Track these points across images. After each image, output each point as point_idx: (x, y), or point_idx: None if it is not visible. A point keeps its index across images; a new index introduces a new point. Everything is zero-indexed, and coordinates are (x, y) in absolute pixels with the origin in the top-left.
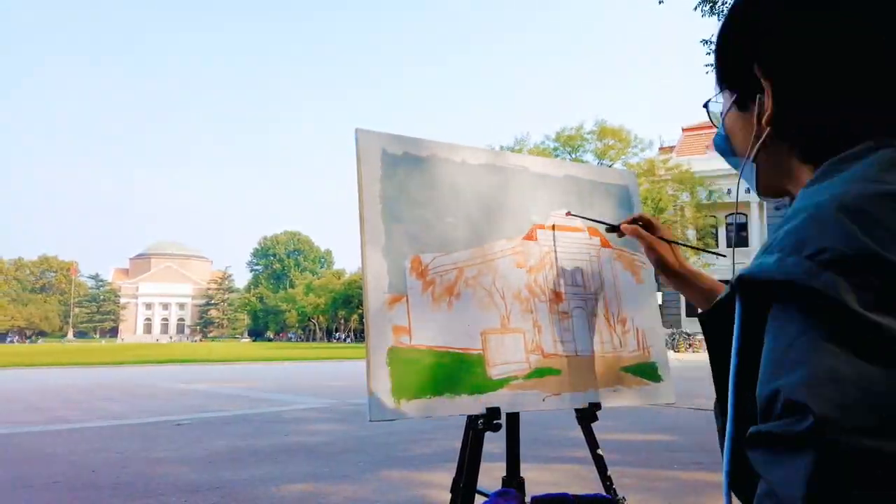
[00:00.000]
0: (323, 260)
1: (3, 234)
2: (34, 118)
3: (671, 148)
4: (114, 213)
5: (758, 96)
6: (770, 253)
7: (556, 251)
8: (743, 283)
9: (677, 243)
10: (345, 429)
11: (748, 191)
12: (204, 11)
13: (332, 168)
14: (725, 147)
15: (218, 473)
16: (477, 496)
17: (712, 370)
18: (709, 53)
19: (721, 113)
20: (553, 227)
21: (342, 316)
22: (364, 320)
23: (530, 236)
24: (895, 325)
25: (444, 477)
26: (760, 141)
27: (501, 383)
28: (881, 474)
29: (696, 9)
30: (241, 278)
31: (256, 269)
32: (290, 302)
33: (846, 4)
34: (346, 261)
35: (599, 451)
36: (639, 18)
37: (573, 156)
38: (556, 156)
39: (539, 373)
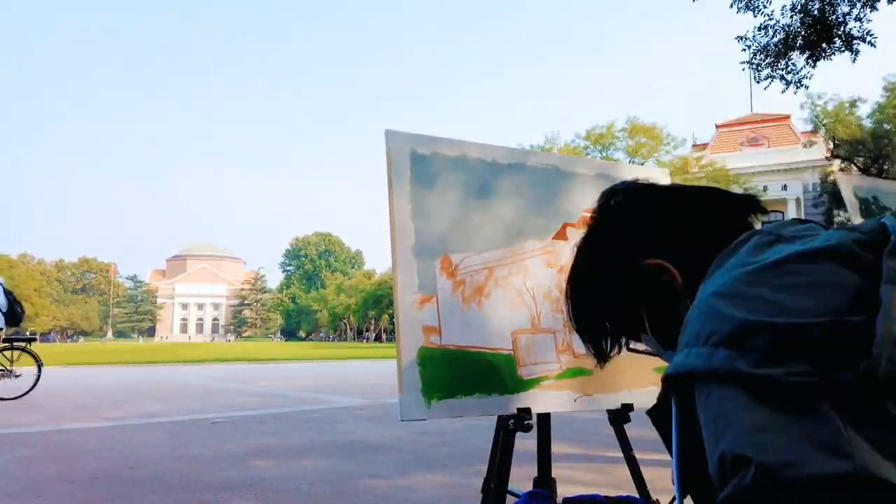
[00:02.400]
0: (353, 260)
1: (45, 236)
2: (75, 124)
3: (705, 145)
4: (151, 215)
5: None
6: (678, 351)
7: None
8: (670, 381)
9: None
10: (376, 428)
11: (784, 188)
12: (237, 15)
13: (362, 169)
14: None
15: (252, 471)
16: (508, 497)
17: (672, 459)
18: (744, 50)
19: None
20: (584, 226)
21: (372, 316)
22: (394, 320)
23: (561, 235)
24: (780, 372)
25: (476, 477)
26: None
27: (532, 383)
28: (816, 497)
29: (731, 6)
30: (274, 279)
31: (288, 270)
32: (321, 302)
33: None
34: (377, 261)
35: (633, 453)
36: (671, 15)
37: (604, 154)
38: (587, 154)
39: (570, 373)
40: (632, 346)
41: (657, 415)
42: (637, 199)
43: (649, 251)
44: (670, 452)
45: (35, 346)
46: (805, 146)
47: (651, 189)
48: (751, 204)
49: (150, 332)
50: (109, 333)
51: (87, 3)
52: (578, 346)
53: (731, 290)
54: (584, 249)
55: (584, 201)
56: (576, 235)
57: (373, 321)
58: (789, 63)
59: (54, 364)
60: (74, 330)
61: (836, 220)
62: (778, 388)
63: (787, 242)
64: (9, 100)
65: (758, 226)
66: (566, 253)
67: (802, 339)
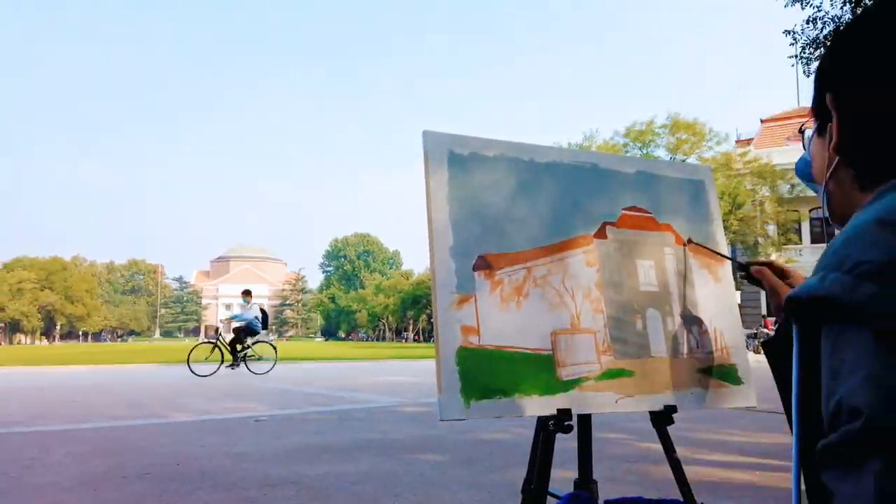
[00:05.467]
0: (392, 261)
1: (96, 238)
2: (128, 131)
3: (749, 141)
4: (196, 217)
5: (828, 125)
6: (815, 272)
7: (627, 249)
8: (791, 303)
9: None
10: (415, 427)
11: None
12: (279, 12)
13: (400, 170)
14: (807, 172)
15: (294, 468)
16: (549, 498)
17: (780, 395)
18: (792, 44)
19: (809, 139)
20: (624, 225)
21: (411, 316)
22: (433, 320)
23: (601, 234)
24: None
25: (516, 478)
26: (831, 168)
27: (572, 384)
28: None
29: None
30: (314, 279)
31: (328, 271)
32: (360, 302)
33: None
34: (414, 261)
35: (676, 455)
36: (715, 7)
37: (644, 151)
38: (626, 152)
39: (611, 374)
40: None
41: (772, 344)
42: None
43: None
44: (779, 387)
45: (87, 346)
46: None
47: None
48: None
49: (195, 331)
50: (157, 333)
51: (150, 12)
52: (620, 346)
53: None
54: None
55: (623, 200)
56: (616, 234)
57: (411, 321)
58: None
59: (107, 363)
60: (124, 330)
61: None
62: None
63: None
64: (63, 108)
65: None
66: (606, 252)
67: None
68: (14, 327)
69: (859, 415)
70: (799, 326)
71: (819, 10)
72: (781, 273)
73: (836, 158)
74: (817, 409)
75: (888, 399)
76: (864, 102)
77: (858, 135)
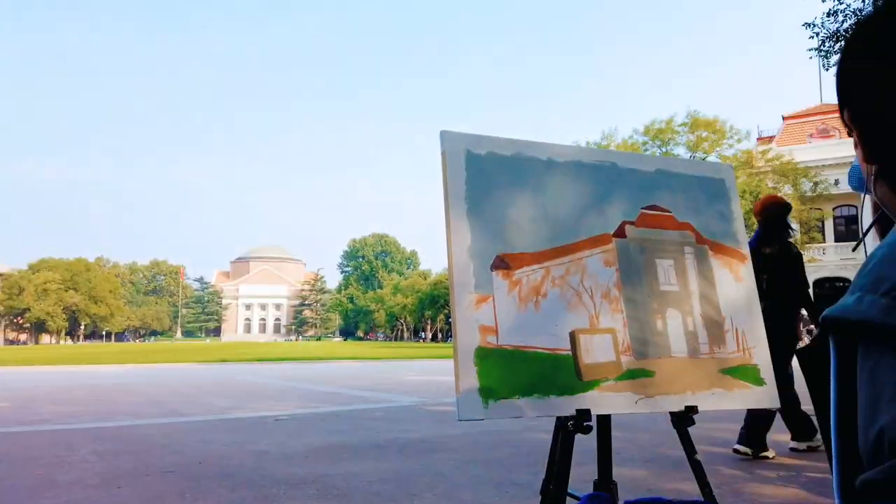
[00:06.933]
0: (409, 261)
1: (119, 239)
2: (148, 135)
3: (770, 138)
4: (216, 218)
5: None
6: (852, 292)
7: (647, 248)
8: (827, 324)
9: None
10: (435, 427)
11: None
12: (291, 13)
13: (418, 169)
14: (863, 178)
15: (315, 467)
16: (568, 499)
17: (813, 403)
18: (812, 37)
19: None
20: (644, 224)
21: (429, 316)
22: (451, 320)
23: (620, 233)
24: None
25: (535, 478)
26: (871, 177)
27: (592, 384)
28: None
29: None
30: (333, 280)
31: (346, 271)
32: (378, 302)
33: None
34: (432, 261)
35: (697, 456)
36: (734, 1)
37: (663, 150)
38: (646, 150)
39: (631, 374)
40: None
41: (808, 355)
42: None
43: None
44: (813, 398)
45: (110, 346)
46: None
47: None
48: None
49: (216, 331)
50: (179, 333)
51: (191, 25)
52: (639, 346)
53: None
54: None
55: (643, 199)
56: (635, 233)
57: (429, 321)
58: None
59: (130, 362)
60: (146, 329)
61: None
62: None
63: None
64: (84, 113)
65: None
66: (625, 251)
67: None
68: (40, 327)
69: None
70: (836, 345)
71: (840, 3)
72: None
73: (874, 166)
74: (855, 428)
75: None
76: (880, 115)
77: (882, 145)
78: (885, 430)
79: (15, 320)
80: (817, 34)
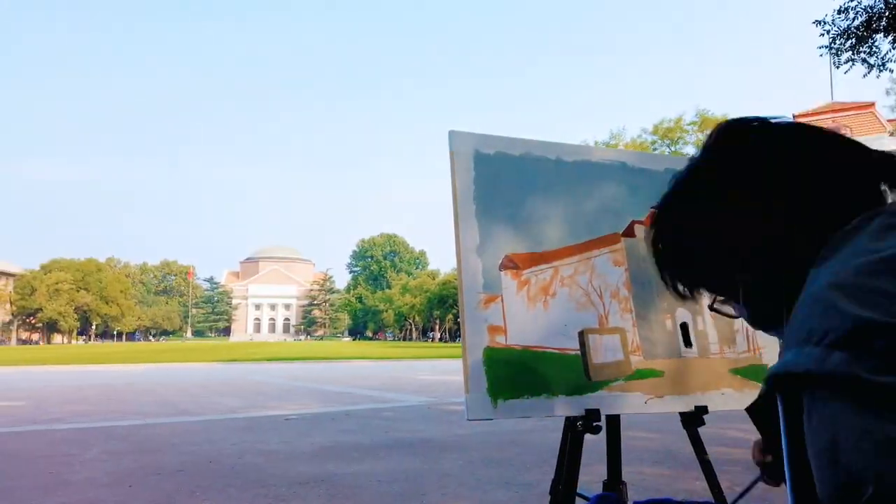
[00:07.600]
0: (418, 261)
1: (130, 240)
2: (156, 136)
3: None
4: (226, 218)
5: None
6: (788, 348)
7: None
8: (776, 382)
9: None
10: (443, 427)
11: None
12: (302, 12)
13: (426, 169)
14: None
15: (324, 467)
16: (577, 499)
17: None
18: (822, 35)
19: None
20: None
21: (437, 315)
22: (459, 320)
23: (629, 233)
24: None
25: (543, 478)
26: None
27: (601, 385)
28: None
29: None
30: (342, 280)
31: (355, 271)
32: (387, 302)
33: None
34: (441, 261)
35: (707, 457)
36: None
37: (672, 149)
38: (654, 150)
39: (640, 374)
40: (715, 305)
41: (755, 410)
42: (761, 144)
43: (759, 209)
44: (768, 448)
45: (121, 346)
46: (892, 134)
47: (782, 132)
48: (888, 168)
49: (226, 331)
50: (189, 333)
51: (202, 34)
52: (649, 345)
53: (850, 282)
54: (691, 185)
55: (651, 198)
56: (644, 233)
57: (437, 321)
58: (872, 46)
59: (141, 362)
60: (157, 329)
61: None
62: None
63: None
64: (95, 113)
65: (888, 199)
66: (635, 250)
67: None
68: (52, 327)
69: (869, 483)
70: (783, 401)
71: (851, 0)
72: None
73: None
74: (810, 477)
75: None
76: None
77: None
78: (844, 476)
79: (27, 320)
80: (828, 31)
